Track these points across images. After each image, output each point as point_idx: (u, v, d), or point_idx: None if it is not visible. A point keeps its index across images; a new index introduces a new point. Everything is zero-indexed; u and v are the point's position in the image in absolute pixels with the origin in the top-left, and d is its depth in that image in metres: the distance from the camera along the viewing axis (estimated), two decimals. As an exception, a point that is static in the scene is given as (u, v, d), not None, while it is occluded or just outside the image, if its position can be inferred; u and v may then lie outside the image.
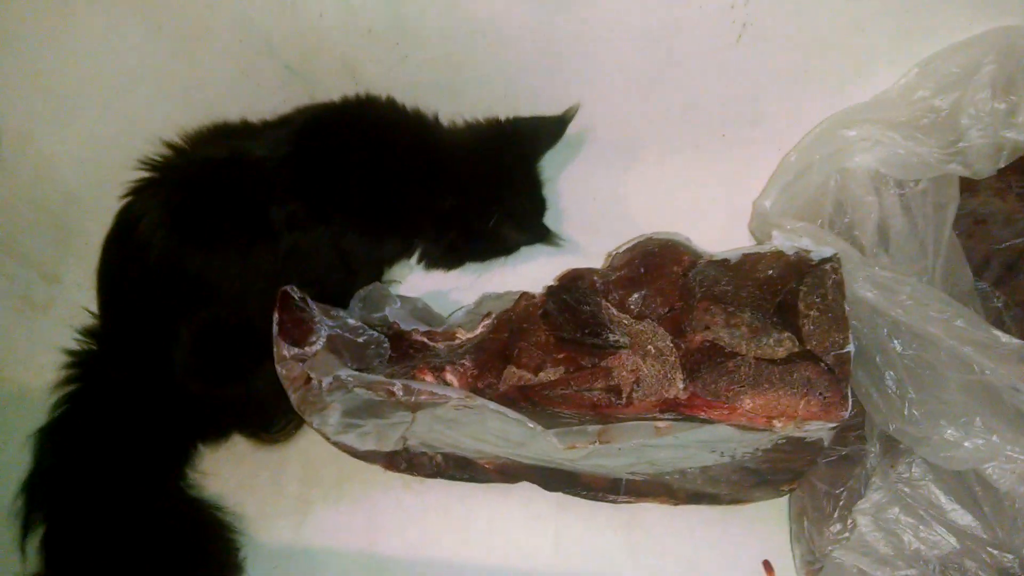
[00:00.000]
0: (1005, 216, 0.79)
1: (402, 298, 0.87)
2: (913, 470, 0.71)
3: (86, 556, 0.79)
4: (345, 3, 0.85)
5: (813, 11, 0.82)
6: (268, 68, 0.91)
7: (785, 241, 0.73)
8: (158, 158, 0.84)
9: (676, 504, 0.81)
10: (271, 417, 0.87)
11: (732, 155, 0.93)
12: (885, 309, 0.69)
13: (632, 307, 0.73)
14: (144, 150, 0.84)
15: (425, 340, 0.80)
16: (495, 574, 0.83)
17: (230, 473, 0.90)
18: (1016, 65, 0.75)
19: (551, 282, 0.77)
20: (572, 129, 0.90)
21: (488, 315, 0.79)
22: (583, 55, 0.88)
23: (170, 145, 0.84)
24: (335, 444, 0.80)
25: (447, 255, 0.92)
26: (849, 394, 0.64)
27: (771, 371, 0.66)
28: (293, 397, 0.75)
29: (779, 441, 0.69)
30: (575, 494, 0.82)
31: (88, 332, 0.87)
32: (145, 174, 0.83)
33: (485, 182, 0.87)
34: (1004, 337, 0.66)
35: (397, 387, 0.72)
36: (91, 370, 0.86)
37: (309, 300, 0.78)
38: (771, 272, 0.71)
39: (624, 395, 0.70)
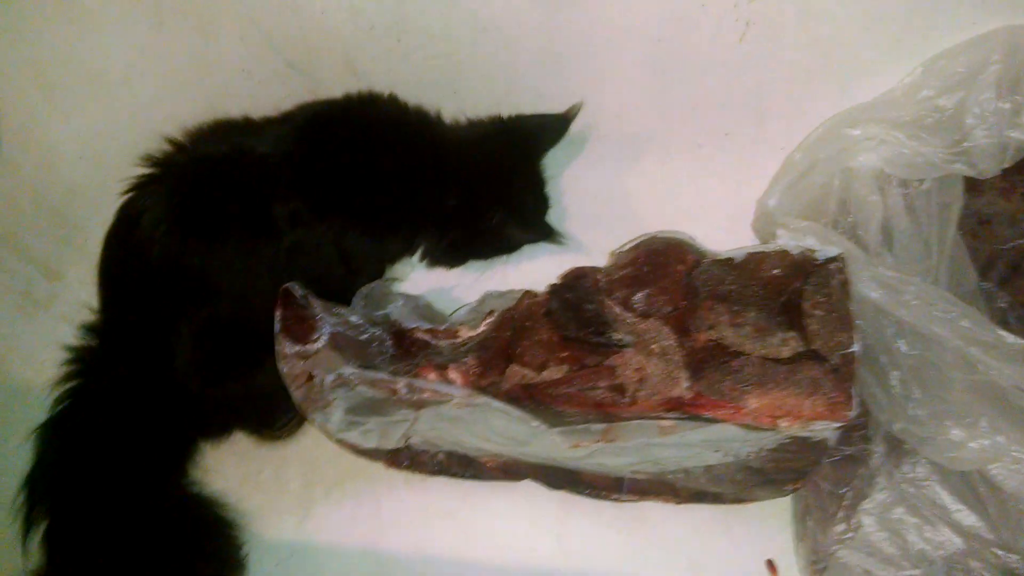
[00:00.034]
0: (1010, 216, 0.79)
1: (405, 296, 0.87)
2: (918, 470, 0.71)
3: (88, 553, 0.78)
4: (347, 0, 0.85)
5: (817, 10, 0.82)
6: (270, 65, 0.91)
7: (790, 240, 0.73)
8: (160, 154, 0.83)
9: (679, 503, 0.81)
10: (273, 414, 0.87)
11: (736, 154, 0.93)
12: (890, 309, 0.69)
13: (636, 306, 0.72)
14: (146, 146, 0.83)
15: (428, 338, 0.80)
16: (497, 571, 0.83)
17: (232, 470, 0.89)
18: (1021, 65, 0.75)
19: (554, 280, 0.76)
20: (575, 127, 0.90)
21: (491, 313, 0.79)
22: (586, 53, 0.88)
23: (172, 141, 0.84)
24: (337, 442, 0.79)
25: (449, 253, 0.91)
26: (854, 394, 0.64)
27: (776, 371, 0.66)
28: (295, 394, 0.75)
29: (784, 441, 0.69)
30: (578, 492, 0.82)
31: (89, 328, 0.87)
32: (147, 170, 0.82)
33: (488, 180, 0.87)
34: (1009, 337, 0.66)
35: (400, 385, 0.72)
36: (92, 366, 0.86)
37: (311, 297, 0.78)
38: (776, 271, 0.70)
39: (628, 394, 0.70)
